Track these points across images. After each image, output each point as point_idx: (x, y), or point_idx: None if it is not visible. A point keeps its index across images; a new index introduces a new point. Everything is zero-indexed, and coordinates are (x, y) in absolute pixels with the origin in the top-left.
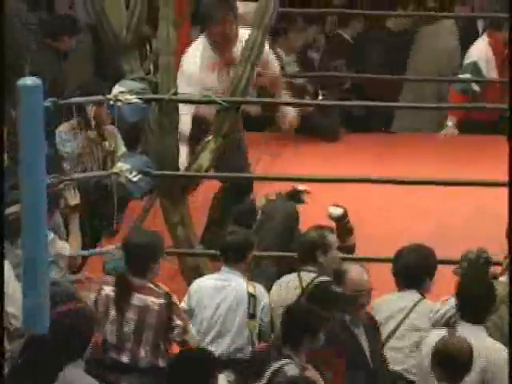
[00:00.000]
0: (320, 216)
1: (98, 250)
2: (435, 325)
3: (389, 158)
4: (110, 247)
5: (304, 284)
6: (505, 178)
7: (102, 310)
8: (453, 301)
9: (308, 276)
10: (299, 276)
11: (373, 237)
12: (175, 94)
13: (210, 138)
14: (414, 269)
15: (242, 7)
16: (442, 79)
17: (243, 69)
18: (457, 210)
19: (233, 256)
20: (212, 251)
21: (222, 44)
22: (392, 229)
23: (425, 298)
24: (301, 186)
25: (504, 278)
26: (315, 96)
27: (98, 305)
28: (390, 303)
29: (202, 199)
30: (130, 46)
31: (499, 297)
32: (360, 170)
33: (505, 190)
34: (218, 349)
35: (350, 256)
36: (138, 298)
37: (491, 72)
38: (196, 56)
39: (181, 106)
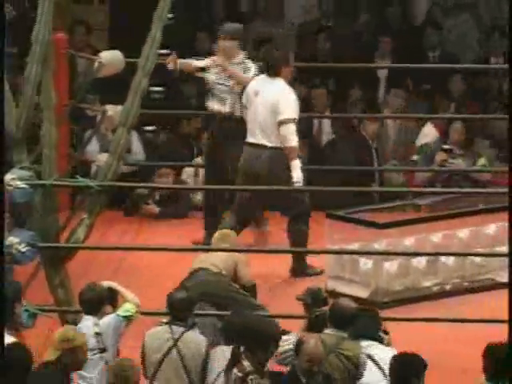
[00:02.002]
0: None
1: None
2: (280, 362)
3: None
4: None
5: (175, 336)
6: None
7: None
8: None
9: (178, 329)
10: (170, 328)
11: None
12: (57, 180)
13: (85, 215)
14: None
15: (110, 109)
16: None
17: (112, 161)
18: None
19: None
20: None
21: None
22: None
23: None
24: None
25: (329, 331)
26: None
27: None
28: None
29: (78, 266)
30: (19, 140)
31: (327, 347)
32: None
33: None
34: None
35: None
36: None
37: None
38: (292, 92)
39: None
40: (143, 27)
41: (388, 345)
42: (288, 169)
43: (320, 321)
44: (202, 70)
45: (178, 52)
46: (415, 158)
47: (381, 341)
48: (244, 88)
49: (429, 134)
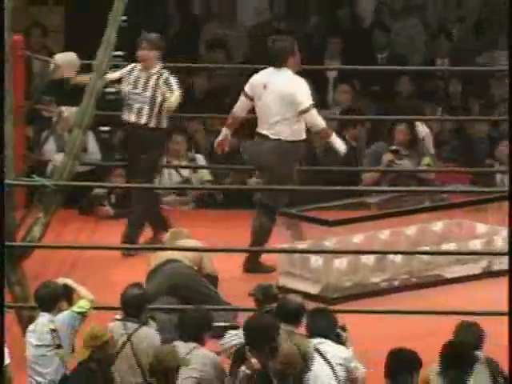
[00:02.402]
0: None
1: None
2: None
3: None
4: None
5: (129, 332)
6: None
7: None
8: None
9: (132, 325)
10: (124, 325)
11: None
12: (14, 179)
13: (41, 214)
14: None
15: (66, 111)
16: None
17: (67, 161)
18: None
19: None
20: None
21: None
22: None
23: None
24: None
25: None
26: None
27: None
28: None
29: (34, 264)
30: None
31: (301, 352)
32: None
33: None
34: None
35: None
36: None
37: None
38: (302, 80)
39: None
40: (98, 29)
41: (346, 341)
42: (290, 162)
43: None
44: (118, 81)
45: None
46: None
47: (338, 338)
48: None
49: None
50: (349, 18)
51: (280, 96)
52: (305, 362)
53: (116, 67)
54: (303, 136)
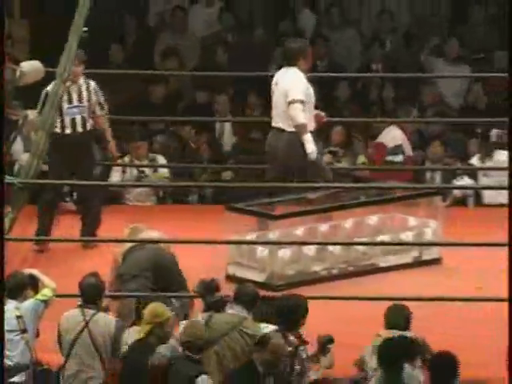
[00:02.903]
0: None
1: None
2: None
3: None
4: None
5: (87, 318)
6: None
7: None
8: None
9: (89, 312)
10: (82, 311)
11: None
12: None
13: (9, 209)
14: None
15: (31, 114)
16: None
17: (32, 161)
18: None
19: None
20: None
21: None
22: None
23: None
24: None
25: (231, 311)
26: None
27: None
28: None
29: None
30: None
31: (231, 325)
32: None
33: None
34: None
35: None
36: None
37: None
38: (302, 78)
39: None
40: (61, 40)
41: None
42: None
43: (217, 304)
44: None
45: (92, 62)
46: (389, 158)
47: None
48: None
49: (395, 136)
50: (291, 30)
51: (282, 92)
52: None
53: None
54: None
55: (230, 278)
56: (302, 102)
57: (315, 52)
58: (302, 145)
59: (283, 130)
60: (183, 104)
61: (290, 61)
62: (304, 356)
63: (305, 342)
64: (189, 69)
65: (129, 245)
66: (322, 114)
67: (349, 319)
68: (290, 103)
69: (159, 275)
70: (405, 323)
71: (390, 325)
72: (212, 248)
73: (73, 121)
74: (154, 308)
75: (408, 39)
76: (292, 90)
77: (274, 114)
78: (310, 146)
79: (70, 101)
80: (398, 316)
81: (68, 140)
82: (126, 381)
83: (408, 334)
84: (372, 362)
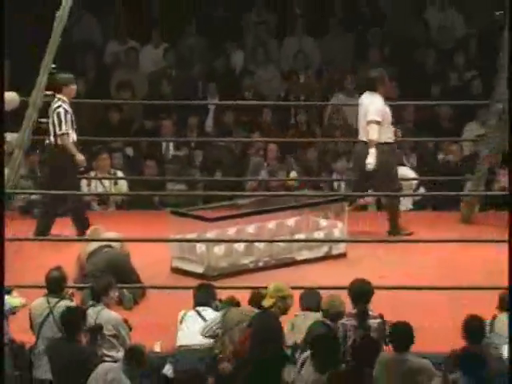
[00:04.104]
0: None
1: None
2: (205, 334)
3: None
4: None
5: (51, 305)
6: None
7: None
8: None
9: (53, 300)
10: (48, 300)
11: None
12: None
13: None
14: None
15: (9, 136)
16: None
17: (10, 176)
18: None
19: None
20: None
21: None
22: None
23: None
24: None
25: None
26: None
27: None
28: None
29: None
30: None
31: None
32: None
33: None
34: None
35: None
36: None
37: None
38: (380, 101)
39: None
40: (33, 75)
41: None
42: (390, 160)
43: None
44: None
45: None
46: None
47: (216, 308)
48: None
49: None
50: (224, 65)
51: (363, 112)
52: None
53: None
54: (385, 140)
55: (174, 270)
56: (377, 122)
57: (243, 85)
58: (380, 154)
59: (367, 143)
60: (135, 127)
61: (370, 87)
62: None
63: None
64: (139, 98)
65: (92, 247)
66: (398, 130)
67: None
68: (368, 122)
69: (115, 273)
70: (317, 306)
71: (304, 307)
72: (160, 245)
73: (75, 131)
74: (277, 285)
75: (318, 74)
76: (371, 111)
77: (359, 130)
78: (372, 159)
79: (72, 114)
80: (312, 300)
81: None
82: (255, 343)
83: (319, 314)
84: (292, 337)
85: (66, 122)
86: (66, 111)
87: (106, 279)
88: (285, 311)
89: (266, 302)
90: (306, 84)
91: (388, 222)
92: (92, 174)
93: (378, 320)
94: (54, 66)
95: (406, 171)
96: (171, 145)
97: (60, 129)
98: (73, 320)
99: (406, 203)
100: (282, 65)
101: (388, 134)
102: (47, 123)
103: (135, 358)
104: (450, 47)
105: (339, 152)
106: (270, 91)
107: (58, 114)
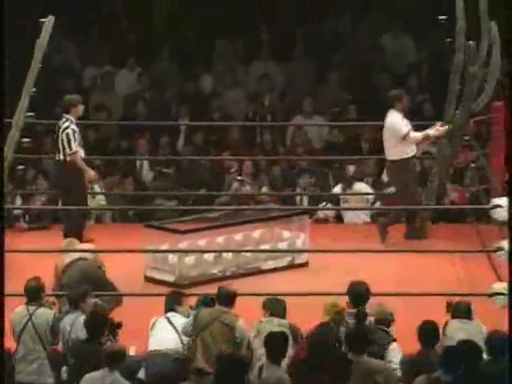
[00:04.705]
0: None
1: None
2: (185, 333)
3: None
4: None
5: (30, 313)
6: None
7: None
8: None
9: (32, 307)
10: (27, 308)
11: None
12: None
13: None
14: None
15: None
16: None
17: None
18: None
19: None
20: None
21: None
22: None
23: None
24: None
25: (218, 307)
26: None
27: None
28: None
29: None
30: None
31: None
32: None
33: None
34: None
35: None
36: None
37: None
38: (400, 116)
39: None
40: (15, 98)
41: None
42: (402, 176)
43: (206, 301)
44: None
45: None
46: None
47: (185, 313)
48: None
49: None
50: (194, 89)
51: (387, 129)
52: (231, 330)
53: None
54: (408, 155)
55: (148, 279)
56: (408, 132)
57: (212, 106)
58: (398, 169)
59: (394, 161)
60: (113, 145)
61: (389, 104)
62: None
63: None
64: (115, 119)
65: (68, 260)
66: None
67: (239, 310)
68: (403, 139)
69: (90, 284)
70: (282, 312)
71: (270, 313)
72: (135, 257)
73: (83, 148)
74: (332, 301)
75: (282, 96)
76: (398, 129)
77: (385, 149)
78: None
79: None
80: (277, 306)
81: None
82: (313, 355)
83: (285, 321)
84: (256, 341)
85: (75, 140)
86: (74, 131)
87: (82, 287)
88: (339, 323)
89: (324, 317)
90: (271, 105)
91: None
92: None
93: (371, 319)
94: (34, 89)
95: (361, 186)
96: (145, 163)
97: (70, 148)
98: (96, 324)
99: (364, 217)
100: (248, 87)
101: (407, 150)
102: (55, 142)
103: (117, 360)
104: (403, 71)
105: (302, 169)
106: (237, 112)
107: (67, 135)
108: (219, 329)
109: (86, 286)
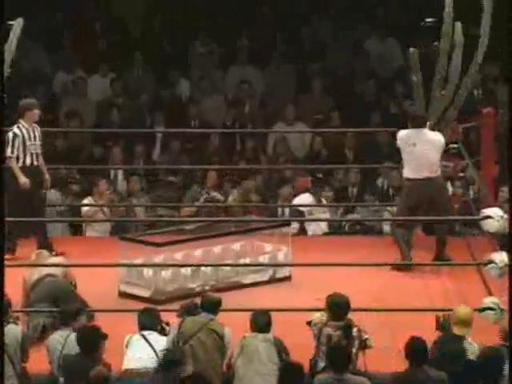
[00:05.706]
0: None
1: None
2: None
3: None
4: None
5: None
6: None
7: None
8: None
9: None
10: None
11: None
12: None
13: None
14: None
15: None
16: None
17: None
18: None
19: None
20: None
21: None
22: None
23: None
24: None
25: (203, 314)
26: None
27: None
28: None
29: None
30: None
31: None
32: None
33: None
34: None
35: None
36: None
37: None
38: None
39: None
40: None
41: (168, 333)
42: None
43: (190, 310)
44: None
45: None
46: None
47: (162, 331)
48: None
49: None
50: (169, 95)
51: (430, 147)
52: (221, 338)
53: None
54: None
55: (122, 294)
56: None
57: (190, 113)
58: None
59: (431, 178)
60: (85, 154)
61: (416, 123)
62: None
63: None
64: (87, 126)
65: (36, 276)
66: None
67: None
68: (446, 151)
69: (58, 300)
70: (266, 327)
71: (254, 328)
72: (108, 271)
73: (31, 155)
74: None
75: (262, 103)
76: (443, 144)
77: (417, 167)
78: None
79: (30, 138)
80: (260, 318)
81: (29, 170)
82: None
83: (269, 335)
84: (239, 360)
85: (12, 145)
86: (14, 135)
87: (76, 305)
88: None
89: (462, 331)
90: (251, 112)
91: (436, 248)
92: (90, 198)
93: (355, 329)
94: (5, 95)
95: (307, 197)
96: (120, 172)
97: (5, 152)
98: (90, 339)
99: (323, 228)
100: (226, 93)
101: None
102: None
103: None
104: (388, 76)
105: (284, 179)
106: (216, 119)
107: (7, 138)
108: (208, 336)
109: (80, 304)
